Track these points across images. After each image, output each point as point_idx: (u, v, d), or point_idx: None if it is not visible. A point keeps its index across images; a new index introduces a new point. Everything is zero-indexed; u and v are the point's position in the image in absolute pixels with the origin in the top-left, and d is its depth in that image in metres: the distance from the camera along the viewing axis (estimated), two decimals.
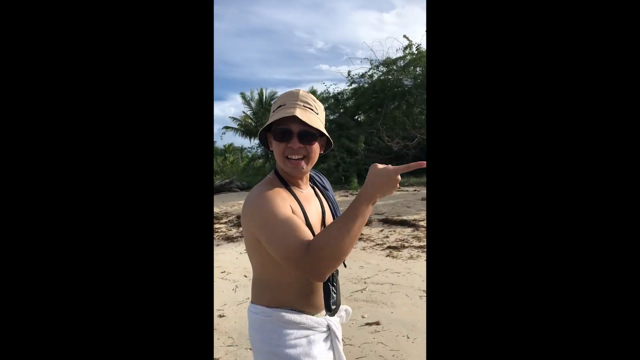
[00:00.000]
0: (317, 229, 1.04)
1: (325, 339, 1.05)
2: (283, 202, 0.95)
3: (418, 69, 13.50)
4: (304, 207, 1.03)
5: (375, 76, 14.10)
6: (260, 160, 15.64)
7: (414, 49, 13.40)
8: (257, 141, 16.68)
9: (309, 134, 0.99)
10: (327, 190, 1.21)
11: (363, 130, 12.68)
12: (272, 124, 1.02)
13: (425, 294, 3.30)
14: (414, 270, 3.95)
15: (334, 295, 1.03)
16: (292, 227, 0.89)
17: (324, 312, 1.06)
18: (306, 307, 1.05)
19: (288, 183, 1.06)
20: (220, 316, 3.05)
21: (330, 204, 1.17)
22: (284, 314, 1.01)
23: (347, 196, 8.99)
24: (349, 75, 14.56)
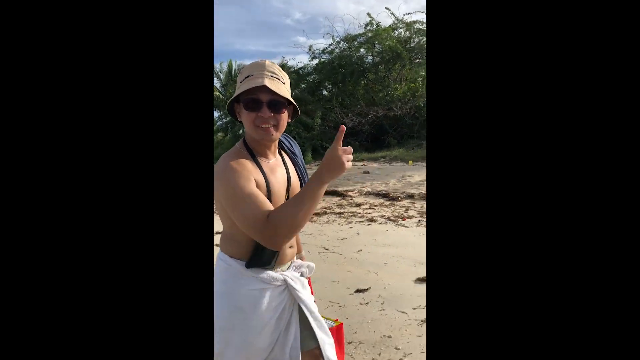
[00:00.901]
0: (281, 197, 1.11)
1: (281, 293, 1.13)
2: (247, 175, 1.01)
3: (377, 46, 13.82)
4: (268, 178, 1.08)
5: (337, 52, 14.33)
6: (220, 134, 15.79)
7: (374, 26, 13.68)
8: (218, 114, 16.62)
9: (278, 102, 1.04)
10: (296, 155, 1.24)
11: (321, 106, 13.04)
12: (240, 94, 1.06)
13: (325, 251, 3.85)
14: (325, 232, 4.50)
15: (266, 253, 1.09)
16: (253, 201, 0.97)
17: (285, 267, 1.18)
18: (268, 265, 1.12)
19: (255, 153, 1.11)
20: None
21: (298, 169, 1.22)
22: (243, 265, 1.10)
23: (310, 167, 9.51)
24: (310, 50, 14.74)
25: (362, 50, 14.17)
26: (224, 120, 15.26)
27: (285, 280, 1.13)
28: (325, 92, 14.68)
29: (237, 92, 1.06)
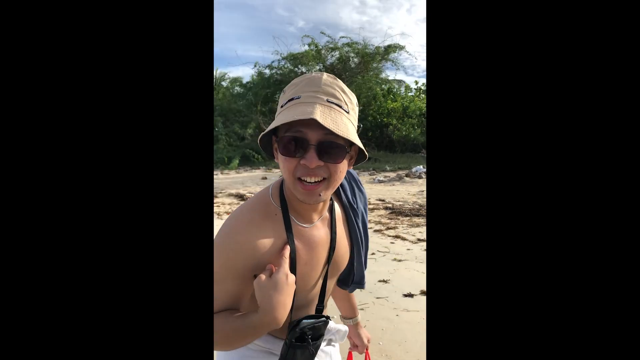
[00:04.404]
0: (314, 276, 0.81)
1: None
2: (237, 262, 0.71)
3: (317, 66, 15.21)
4: (299, 251, 0.76)
5: (275, 69, 15.60)
6: None
7: (313, 47, 15.11)
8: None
9: (333, 146, 0.67)
10: (356, 209, 0.88)
11: (256, 118, 14.36)
12: (279, 127, 0.69)
13: None
14: None
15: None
16: (216, 294, 0.71)
17: None
18: (276, 332, 0.84)
19: (291, 211, 0.77)
20: None
21: (351, 235, 0.88)
22: None
23: (228, 174, 10.92)
24: (255, 66, 16.05)
25: (303, 68, 15.55)
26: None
27: None
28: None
29: (275, 122, 0.69)
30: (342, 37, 19.98)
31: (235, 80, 17.33)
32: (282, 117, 0.67)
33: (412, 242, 4.30)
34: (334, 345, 0.95)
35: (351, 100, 0.72)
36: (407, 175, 8.83)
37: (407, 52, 19.27)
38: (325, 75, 0.71)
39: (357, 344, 1.07)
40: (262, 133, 0.72)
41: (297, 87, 0.70)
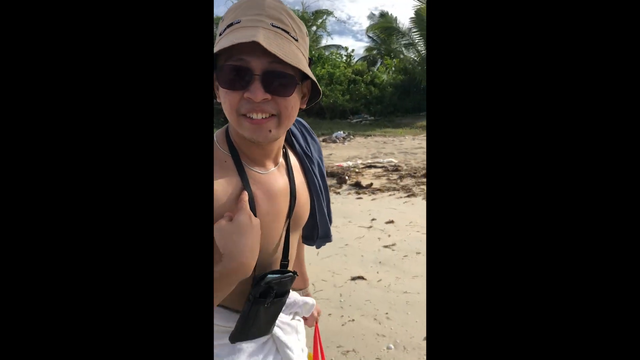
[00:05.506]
0: (278, 227, 0.72)
1: (263, 345, 0.77)
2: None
3: None
4: (259, 200, 0.68)
5: None
6: None
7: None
8: None
9: (281, 76, 0.60)
10: (311, 157, 0.82)
11: None
12: (217, 56, 0.61)
13: None
14: None
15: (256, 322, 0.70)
16: None
17: None
18: (236, 304, 0.74)
19: (242, 157, 0.68)
20: None
21: (310, 184, 0.81)
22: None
23: None
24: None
25: None
26: None
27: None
28: None
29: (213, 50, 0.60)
30: None
31: None
32: (222, 43, 0.58)
33: None
34: (299, 320, 0.90)
35: (300, 29, 0.64)
36: (324, 141, 9.62)
37: (335, 17, 19.54)
38: None
39: (305, 317, 0.97)
40: None
41: (237, 11, 0.61)
